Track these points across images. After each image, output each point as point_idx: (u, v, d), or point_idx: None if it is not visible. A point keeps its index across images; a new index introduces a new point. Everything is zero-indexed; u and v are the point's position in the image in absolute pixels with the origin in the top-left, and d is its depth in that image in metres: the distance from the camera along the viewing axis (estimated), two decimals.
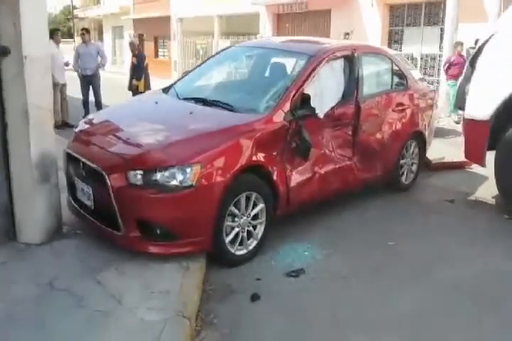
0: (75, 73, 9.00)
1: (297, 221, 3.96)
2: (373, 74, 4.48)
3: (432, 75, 11.49)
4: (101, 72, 8.91)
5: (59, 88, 8.50)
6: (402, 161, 4.80)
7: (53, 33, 8.53)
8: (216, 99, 3.63)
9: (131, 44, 8.87)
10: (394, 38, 12.37)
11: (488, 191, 4.93)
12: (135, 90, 8.42)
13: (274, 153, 3.42)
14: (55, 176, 3.37)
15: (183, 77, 4.36)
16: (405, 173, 4.91)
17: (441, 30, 10.71)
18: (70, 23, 35.45)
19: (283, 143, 3.46)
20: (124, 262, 3.02)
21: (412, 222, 4.22)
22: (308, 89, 3.65)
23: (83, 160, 3.18)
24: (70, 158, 3.37)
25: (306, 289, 3.07)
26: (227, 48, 4.65)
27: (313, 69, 3.71)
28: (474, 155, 4.21)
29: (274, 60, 4.18)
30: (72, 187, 3.45)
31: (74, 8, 34.29)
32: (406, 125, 4.67)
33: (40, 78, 3.04)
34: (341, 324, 2.70)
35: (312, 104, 3.65)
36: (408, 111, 4.70)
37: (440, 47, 10.66)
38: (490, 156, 4.41)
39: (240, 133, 3.19)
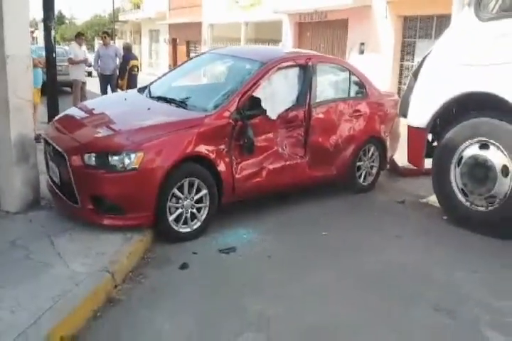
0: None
1: (249, 211, 4.46)
2: (328, 82, 4.92)
3: None
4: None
5: (79, 85, 9.36)
6: (359, 163, 5.20)
7: (77, 37, 9.44)
8: (174, 98, 4.21)
9: (124, 47, 9.77)
10: (407, 50, 12.62)
11: None
12: (120, 88, 9.18)
13: (221, 147, 3.94)
14: (34, 157, 4.01)
15: (158, 79, 4.96)
16: (363, 175, 5.30)
17: None
18: (115, 25, 37.26)
19: (229, 138, 3.97)
20: (79, 231, 3.60)
21: (354, 217, 4.62)
22: (259, 93, 4.15)
23: (52, 143, 3.80)
24: (46, 142, 4.01)
25: (231, 263, 3.55)
26: (201, 54, 5.21)
27: (263, 75, 4.21)
28: (414, 159, 4.57)
29: (231, 66, 4.72)
30: (48, 167, 4.08)
31: (119, 11, 36.16)
32: (362, 130, 5.07)
33: (21, 74, 3.68)
34: (244, 293, 3.12)
35: (264, 106, 4.15)
36: (365, 118, 5.10)
37: None
38: None
39: (183, 127, 3.74)
